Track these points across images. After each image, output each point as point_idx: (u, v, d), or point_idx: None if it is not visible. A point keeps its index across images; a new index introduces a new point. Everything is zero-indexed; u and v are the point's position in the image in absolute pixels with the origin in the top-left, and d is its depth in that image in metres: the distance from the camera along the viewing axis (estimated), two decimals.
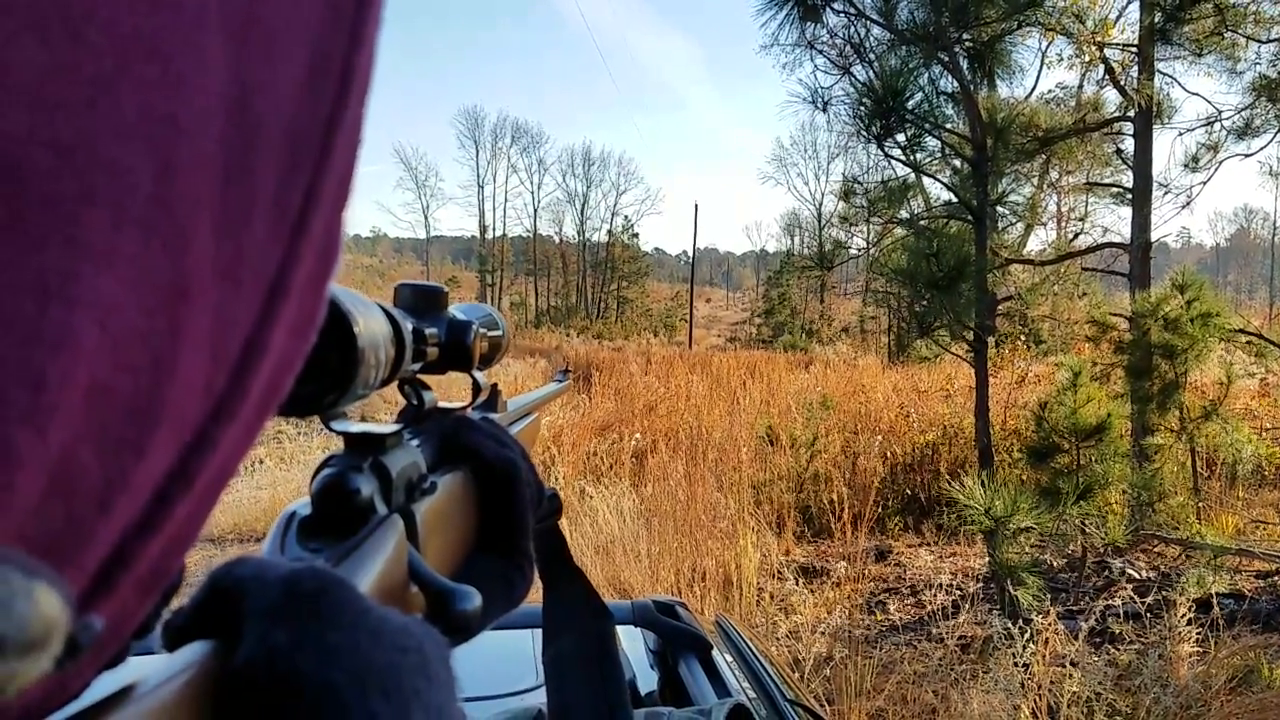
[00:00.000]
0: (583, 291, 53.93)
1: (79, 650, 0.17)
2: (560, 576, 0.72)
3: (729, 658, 1.55)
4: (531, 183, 56.67)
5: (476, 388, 0.61)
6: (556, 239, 56.79)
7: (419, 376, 0.54)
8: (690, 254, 47.05)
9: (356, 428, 0.43)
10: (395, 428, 0.46)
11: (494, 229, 56.69)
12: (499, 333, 0.63)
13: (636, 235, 55.31)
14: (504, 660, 1.58)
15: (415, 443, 0.49)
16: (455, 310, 0.56)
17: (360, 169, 0.26)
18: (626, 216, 55.19)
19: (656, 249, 74.85)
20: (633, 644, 1.58)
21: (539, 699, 1.33)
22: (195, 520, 0.22)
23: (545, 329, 39.75)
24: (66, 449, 0.17)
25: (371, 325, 0.39)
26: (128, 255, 0.18)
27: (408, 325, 0.45)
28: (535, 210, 56.31)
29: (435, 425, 0.54)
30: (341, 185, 0.25)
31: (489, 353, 0.60)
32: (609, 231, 54.19)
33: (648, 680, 1.53)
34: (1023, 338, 12.66)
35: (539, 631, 0.73)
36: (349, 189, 0.25)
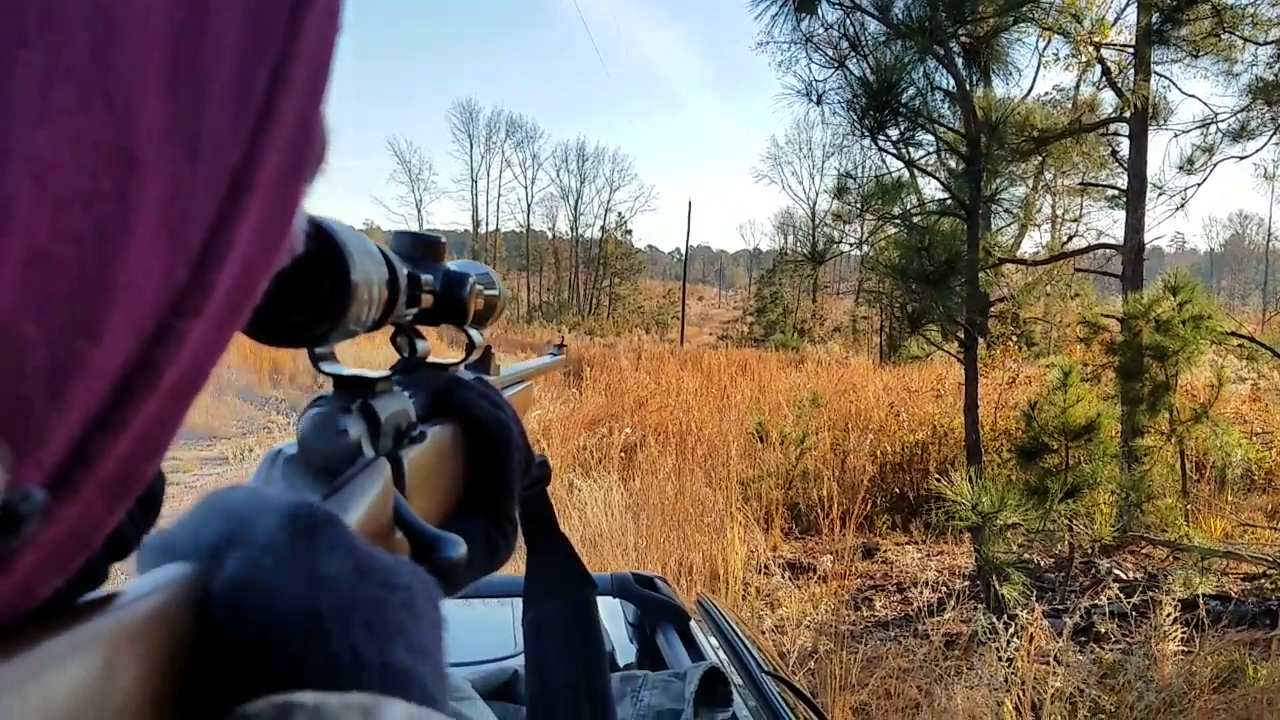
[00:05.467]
0: (575, 287, 53.80)
1: (20, 522, 0.16)
2: (545, 543, 0.71)
3: (710, 634, 1.55)
4: (525, 178, 56.31)
5: (470, 345, 0.61)
6: (549, 234, 56.69)
7: (414, 327, 0.53)
8: (683, 251, 47.02)
9: (347, 371, 0.43)
10: (386, 374, 0.46)
11: (487, 223, 56.53)
12: (495, 293, 0.63)
13: (630, 232, 55.25)
14: (481, 629, 1.57)
15: (406, 394, 0.48)
16: (452, 265, 0.55)
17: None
18: (620, 213, 55.05)
19: (650, 246, 74.68)
20: (612, 616, 1.59)
21: (515, 665, 1.32)
22: (165, 423, 0.21)
23: (537, 324, 39.71)
24: (6, 320, 0.16)
25: (366, 261, 0.38)
26: (65, 108, 0.16)
27: (403, 270, 0.45)
28: (529, 205, 56.09)
29: (427, 379, 0.54)
30: (315, 75, 0.23)
31: (484, 311, 0.60)
32: (602, 228, 54.03)
33: (626, 652, 1.53)
34: (1014, 339, 12.68)
35: (517, 602, 0.72)
36: (324, 83, 0.24)
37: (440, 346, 0.60)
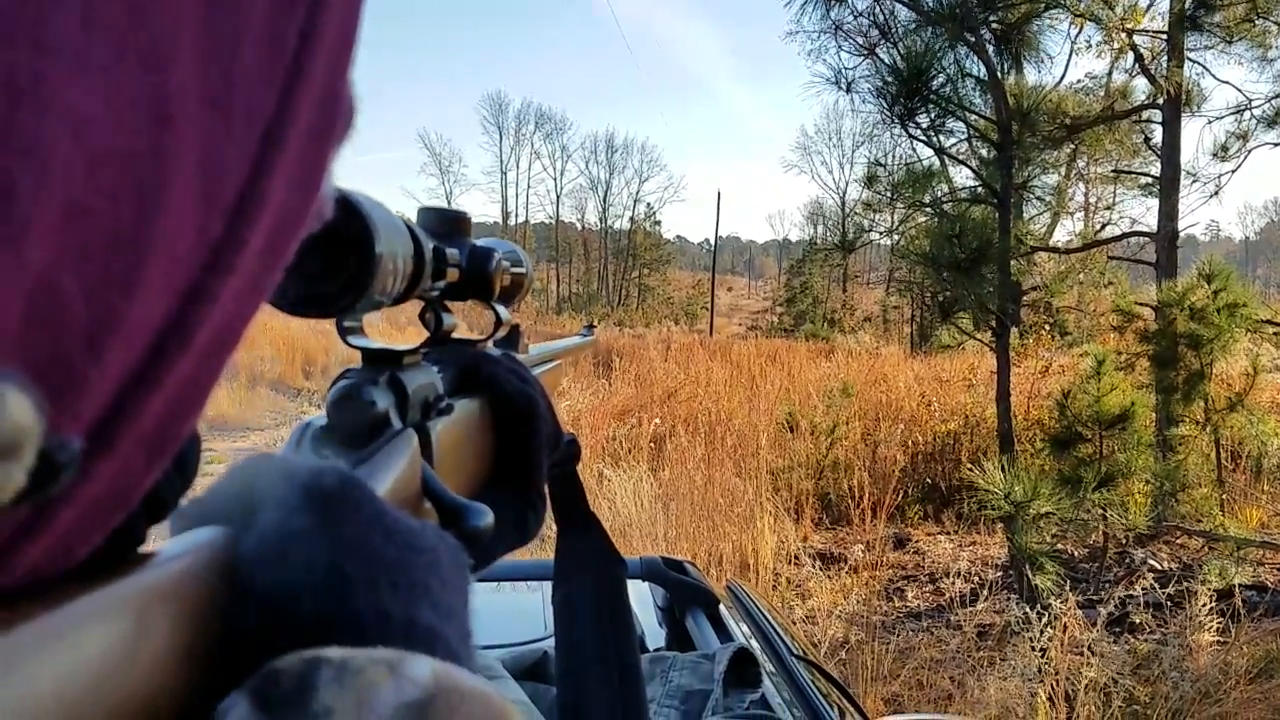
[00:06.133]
0: (604, 279, 53.64)
1: (58, 470, 0.17)
2: (576, 522, 0.71)
3: (739, 619, 1.55)
4: (554, 169, 56.24)
5: (498, 321, 0.61)
6: (579, 226, 56.56)
7: (440, 303, 0.53)
8: (712, 242, 46.81)
9: (374, 344, 0.44)
10: (414, 347, 0.46)
11: (516, 215, 56.49)
12: (523, 270, 0.63)
13: (659, 223, 54.96)
14: (511, 614, 1.58)
15: (434, 369, 0.49)
16: (478, 241, 0.56)
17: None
18: (649, 204, 54.68)
19: (679, 237, 74.26)
20: (641, 600, 1.58)
21: (545, 647, 1.34)
22: (199, 383, 0.22)
23: (567, 315, 39.71)
24: (45, 273, 0.16)
25: (391, 233, 0.39)
26: (101, 64, 0.16)
27: (429, 243, 0.45)
28: (558, 196, 55.97)
29: (455, 354, 0.54)
30: (342, 35, 0.24)
31: (511, 288, 0.60)
32: (631, 219, 53.80)
33: (655, 636, 1.53)
34: (1047, 328, 12.54)
35: (547, 586, 0.72)
36: (351, 44, 0.24)
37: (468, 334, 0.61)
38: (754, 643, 1.45)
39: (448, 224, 0.53)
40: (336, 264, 0.36)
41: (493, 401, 0.54)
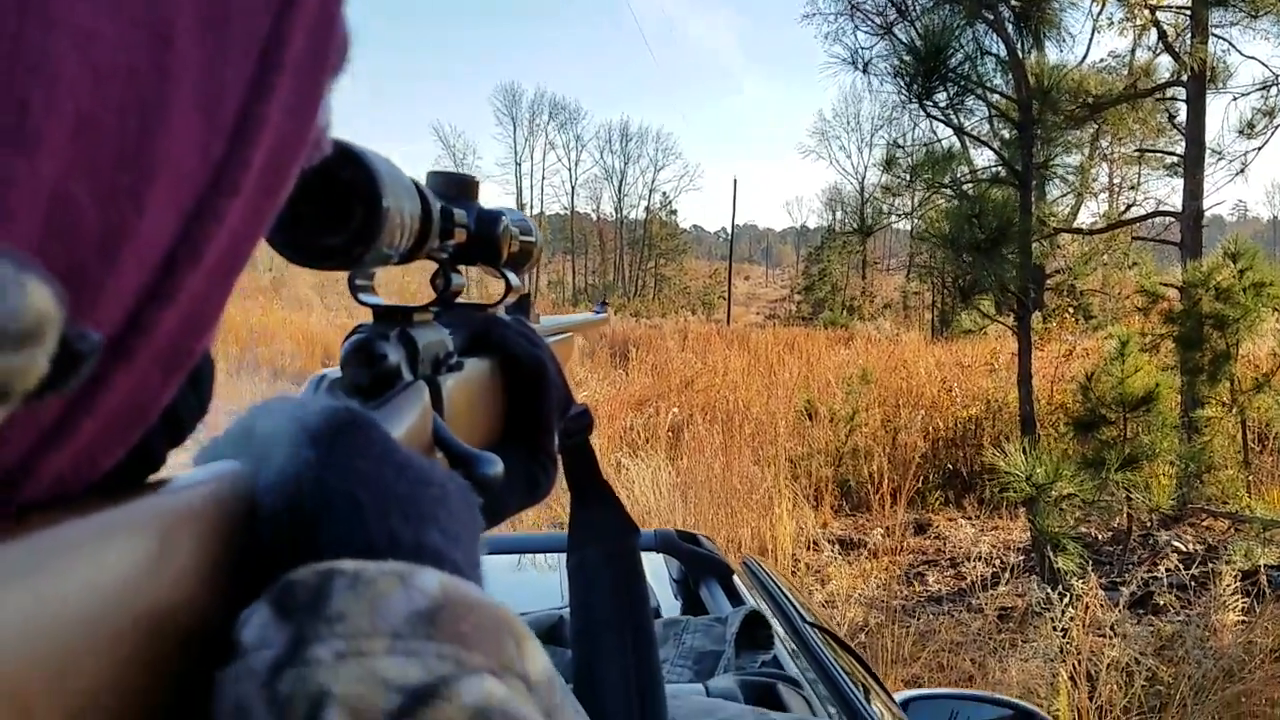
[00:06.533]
0: (620, 269, 53.62)
1: (78, 361, 0.17)
2: (589, 491, 0.73)
3: (757, 597, 1.54)
4: (569, 159, 56.07)
5: (508, 286, 0.62)
6: (594, 216, 56.51)
7: (451, 264, 0.55)
8: (729, 230, 46.78)
9: (386, 302, 0.45)
10: (425, 305, 0.48)
11: (531, 206, 56.43)
12: (532, 239, 0.64)
13: (675, 212, 54.80)
14: (529, 585, 1.62)
15: (446, 329, 0.50)
16: (487, 206, 0.57)
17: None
18: (664, 193, 54.41)
19: (695, 226, 73.90)
20: (655, 572, 1.60)
21: (562, 613, 1.34)
22: (210, 301, 0.23)
23: (583, 306, 39.75)
24: (59, 184, 0.17)
25: (398, 188, 0.40)
26: None
27: (437, 203, 0.46)
28: (573, 187, 55.85)
29: (466, 317, 0.55)
30: None
31: (520, 255, 0.61)
32: (647, 208, 53.68)
33: (671, 608, 1.54)
34: (1071, 311, 12.48)
35: (564, 558, 0.72)
36: None
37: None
38: (770, 615, 1.45)
39: (456, 187, 0.54)
40: (343, 215, 0.37)
41: (503, 363, 0.55)
